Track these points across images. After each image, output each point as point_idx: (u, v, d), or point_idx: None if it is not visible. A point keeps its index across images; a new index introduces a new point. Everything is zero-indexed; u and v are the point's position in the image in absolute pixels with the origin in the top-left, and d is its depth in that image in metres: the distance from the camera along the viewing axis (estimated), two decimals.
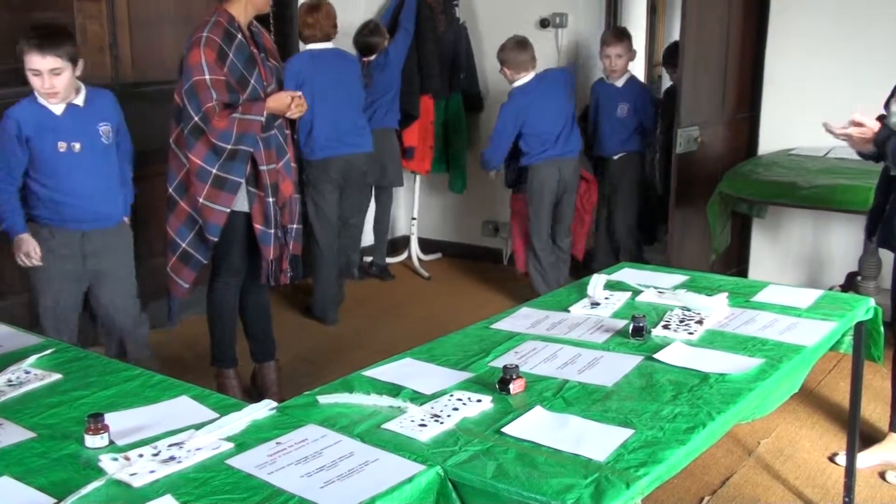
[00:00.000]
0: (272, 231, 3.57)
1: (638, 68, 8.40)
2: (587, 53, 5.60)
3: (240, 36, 3.44)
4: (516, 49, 4.84)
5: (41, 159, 3.25)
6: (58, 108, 3.24)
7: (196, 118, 3.39)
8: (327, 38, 4.75)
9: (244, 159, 3.45)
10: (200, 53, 3.34)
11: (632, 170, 5.21)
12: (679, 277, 3.00)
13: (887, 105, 3.07)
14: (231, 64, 3.39)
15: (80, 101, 3.29)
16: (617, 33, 5.16)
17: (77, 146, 3.27)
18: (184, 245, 3.54)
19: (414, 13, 5.39)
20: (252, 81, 3.45)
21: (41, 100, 3.22)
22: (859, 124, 2.90)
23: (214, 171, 3.42)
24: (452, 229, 6.24)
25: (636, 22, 8.21)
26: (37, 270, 3.32)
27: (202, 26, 3.40)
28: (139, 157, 3.66)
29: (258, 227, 3.56)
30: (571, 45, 5.60)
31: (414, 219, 6.03)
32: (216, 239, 3.51)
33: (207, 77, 3.35)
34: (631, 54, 5.13)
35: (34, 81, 3.16)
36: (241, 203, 3.54)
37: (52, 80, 3.14)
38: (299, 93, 3.54)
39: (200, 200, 3.44)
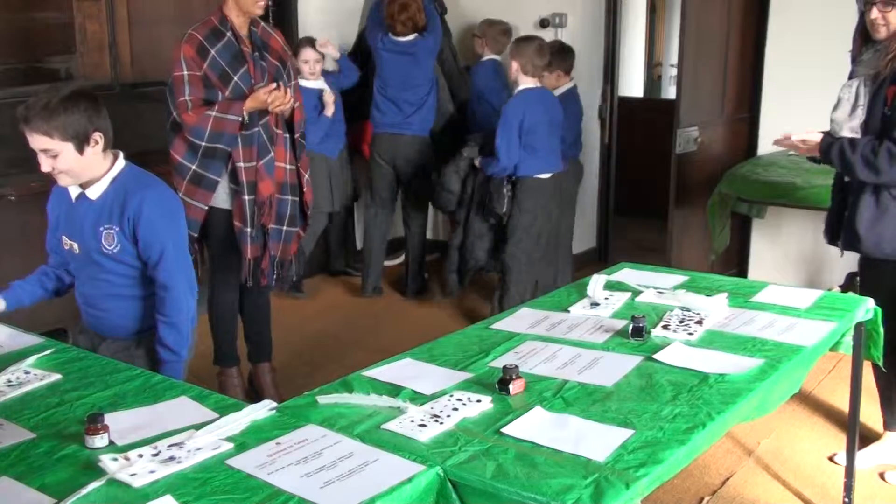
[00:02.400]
0: (248, 230, 3.56)
1: (637, 68, 8.44)
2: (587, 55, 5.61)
3: (229, 34, 3.45)
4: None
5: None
6: (73, 192, 2.58)
7: (175, 113, 3.44)
8: (416, 30, 4.94)
9: (223, 158, 3.47)
10: (181, 50, 3.41)
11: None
12: (679, 278, 3.00)
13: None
14: (212, 60, 3.42)
15: (95, 191, 2.54)
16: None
17: (76, 247, 2.61)
18: None
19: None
20: (235, 78, 3.44)
21: None
22: (804, 141, 3.10)
23: (193, 167, 3.46)
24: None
25: (636, 22, 8.22)
26: None
27: (193, 25, 3.47)
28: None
29: (237, 224, 3.57)
30: (571, 45, 5.58)
31: None
32: (195, 234, 3.52)
33: (185, 73, 3.40)
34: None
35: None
36: (223, 200, 3.56)
37: (48, 161, 2.43)
38: (274, 85, 3.45)
39: (179, 195, 3.42)
